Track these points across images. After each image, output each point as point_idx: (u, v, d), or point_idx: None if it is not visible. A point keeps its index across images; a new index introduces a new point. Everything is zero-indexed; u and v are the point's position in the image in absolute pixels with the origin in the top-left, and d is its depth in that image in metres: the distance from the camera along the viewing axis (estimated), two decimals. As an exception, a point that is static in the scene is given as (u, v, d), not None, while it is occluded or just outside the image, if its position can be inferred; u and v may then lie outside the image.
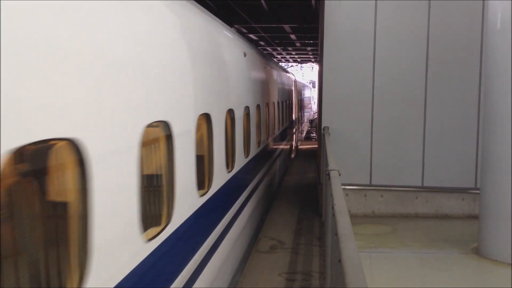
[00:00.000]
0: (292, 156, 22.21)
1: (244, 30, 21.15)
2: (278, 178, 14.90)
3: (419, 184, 10.52)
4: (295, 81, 25.16)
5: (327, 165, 6.48)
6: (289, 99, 19.93)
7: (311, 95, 50.78)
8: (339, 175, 5.64)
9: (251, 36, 23.14)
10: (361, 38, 10.51)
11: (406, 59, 10.44)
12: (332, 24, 10.61)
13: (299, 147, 26.91)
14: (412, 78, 10.43)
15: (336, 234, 3.71)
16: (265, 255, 8.50)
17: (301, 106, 30.88)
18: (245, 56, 8.05)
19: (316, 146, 19.60)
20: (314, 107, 51.75)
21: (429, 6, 10.26)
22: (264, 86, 11.26)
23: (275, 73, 14.24)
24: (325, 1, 10.61)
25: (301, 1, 16.33)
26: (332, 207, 4.44)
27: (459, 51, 10.24)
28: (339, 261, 3.16)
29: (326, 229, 6.89)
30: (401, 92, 10.48)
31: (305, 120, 36.56)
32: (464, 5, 10.17)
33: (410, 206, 10.53)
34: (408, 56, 10.43)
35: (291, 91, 21.18)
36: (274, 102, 13.44)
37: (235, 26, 18.96)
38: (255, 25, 19.25)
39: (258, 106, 10.07)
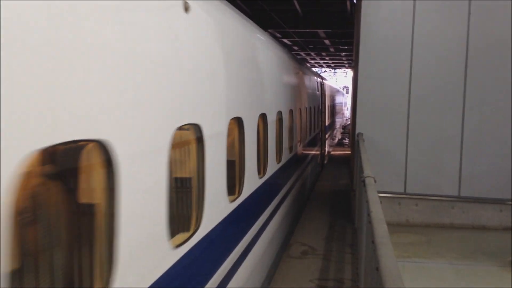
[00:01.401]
0: (325, 162, 22.05)
1: (278, 35, 21.13)
2: (310, 184, 14.79)
3: (456, 194, 10.28)
4: (328, 87, 25.02)
5: (362, 172, 6.38)
6: (322, 104, 19.81)
7: (344, 100, 50.41)
8: (375, 182, 5.55)
9: (285, 41, 23.11)
10: (398, 44, 10.36)
11: (444, 66, 10.24)
12: (368, 29, 10.48)
13: (332, 153, 26.71)
14: (450, 86, 10.23)
15: (373, 241, 3.63)
16: (296, 261, 8.42)
17: (334, 111, 30.67)
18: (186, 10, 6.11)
19: (349, 152, 19.43)
20: (347, 112, 51.39)
21: (469, 13, 10.05)
22: (297, 91, 11.19)
23: (308, 78, 14.17)
24: (362, 7, 10.50)
25: (336, 6, 16.23)
26: (369, 214, 4.36)
27: (499, 58, 10.00)
28: (377, 269, 3.09)
29: (360, 236, 6.78)
30: (439, 99, 10.28)
31: (338, 126, 36.29)
32: (504, 11, 9.92)
33: (446, 216, 10.30)
34: (446, 63, 10.23)
35: (324, 96, 21.05)
36: (306, 107, 13.36)
37: (269, 30, 18.96)
38: (289, 30, 19.21)
39: (291, 111, 10.00)
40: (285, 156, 9.35)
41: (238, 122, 5.68)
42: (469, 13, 10.02)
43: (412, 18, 10.25)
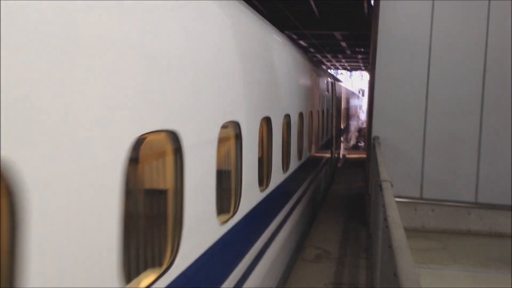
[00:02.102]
0: (339, 165, 21.93)
1: (294, 36, 21.07)
2: (324, 186, 14.70)
3: (473, 200, 10.12)
4: (344, 89, 24.90)
5: (378, 175, 6.30)
6: (338, 107, 19.71)
7: (359, 103, 50.17)
8: (392, 186, 5.47)
9: (301, 42, 23.04)
10: (416, 46, 10.23)
11: (463, 68, 10.09)
12: (386, 31, 10.37)
13: (347, 156, 26.57)
14: (468, 89, 10.07)
15: (390, 246, 3.56)
16: (310, 264, 8.34)
17: (350, 114, 30.53)
18: None
19: (364, 155, 19.29)
20: (363, 115, 51.14)
21: (488, 16, 9.89)
22: (314, 93, 11.14)
23: (324, 81, 14.09)
24: (379, 8, 10.39)
25: (353, 8, 16.12)
26: (385, 219, 4.27)
27: None
28: (395, 274, 3.02)
29: (375, 240, 6.69)
30: (456, 103, 10.13)
31: (353, 129, 36.12)
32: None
33: (463, 222, 10.14)
34: (464, 66, 10.07)
35: (340, 99, 20.95)
36: (323, 110, 13.29)
37: (286, 32, 18.90)
38: (306, 31, 19.13)
39: (310, 113, 10.02)
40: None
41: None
42: (488, 16, 9.86)
43: (430, 20, 10.12)
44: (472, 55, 10.02)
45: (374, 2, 12.30)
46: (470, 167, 10.12)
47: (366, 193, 12.18)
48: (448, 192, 10.20)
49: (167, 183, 3.48)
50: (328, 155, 15.68)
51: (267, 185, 6.46)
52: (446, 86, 10.17)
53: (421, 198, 10.28)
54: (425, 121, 10.28)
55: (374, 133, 10.49)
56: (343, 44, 23.59)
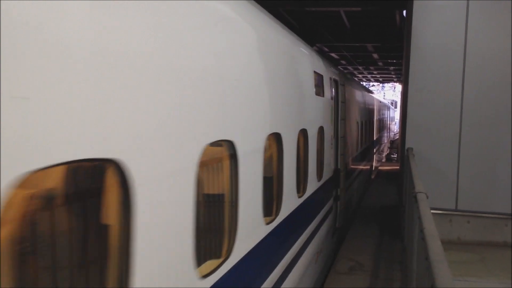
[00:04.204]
0: (372, 177, 21.77)
1: (326, 49, 21.09)
2: (357, 198, 14.62)
3: (509, 211, 9.93)
4: (377, 101, 24.76)
5: (413, 187, 6.27)
6: (370, 119, 19.61)
7: (392, 115, 49.73)
8: (427, 197, 5.45)
9: (333, 55, 23.04)
10: (450, 57, 10.14)
11: (498, 78, 9.95)
12: (419, 42, 10.32)
13: (379, 168, 26.34)
14: (504, 99, 9.92)
15: (427, 258, 3.56)
16: (344, 277, 8.31)
17: (382, 126, 30.30)
18: None
19: (397, 167, 19.11)
20: (395, 127, 50.65)
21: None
22: (360, 107, 11.25)
23: (356, 93, 14.06)
24: (412, 19, 10.36)
25: (385, 20, 16.08)
26: (421, 231, 4.27)
27: None
28: (432, 287, 3.03)
29: (410, 253, 6.64)
30: (492, 113, 9.99)
31: (386, 141, 35.81)
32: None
33: (499, 234, 9.96)
34: (499, 75, 9.93)
35: (372, 110, 20.85)
36: (356, 122, 13.26)
37: (317, 45, 18.96)
38: (337, 44, 19.14)
39: (357, 123, 10.13)
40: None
41: (303, 133, 6.58)
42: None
43: (464, 30, 10.03)
44: (508, 65, 9.88)
45: (406, 13, 12.26)
46: (506, 178, 9.95)
47: (400, 205, 12.07)
48: (484, 203, 10.05)
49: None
50: (363, 166, 15.66)
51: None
52: (481, 96, 10.05)
53: (456, 210, 10.15)
54: (460, 132, 10.16)
55: (408, 144, 10.42)
56: (375, 56, 23.50)
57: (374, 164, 23.02)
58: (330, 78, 9.09)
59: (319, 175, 8.03)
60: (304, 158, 6.86)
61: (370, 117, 19.41)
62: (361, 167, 15.62)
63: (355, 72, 33.66)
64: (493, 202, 10.01)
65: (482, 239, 9.96)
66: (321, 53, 9.10)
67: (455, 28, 10.08)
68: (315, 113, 7.49)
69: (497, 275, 8.23)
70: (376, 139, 23.75)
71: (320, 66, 8.19)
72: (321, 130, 7.97)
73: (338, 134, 9.90)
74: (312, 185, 7.40)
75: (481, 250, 9.55)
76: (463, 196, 10.15)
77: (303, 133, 6.68)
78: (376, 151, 24.30)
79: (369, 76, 38.53)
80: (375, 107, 22.56)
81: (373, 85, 51.58)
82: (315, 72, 7.53)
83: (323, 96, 8.12)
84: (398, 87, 51.47)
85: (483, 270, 8.43)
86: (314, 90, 7.41)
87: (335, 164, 9.63)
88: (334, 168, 9.49)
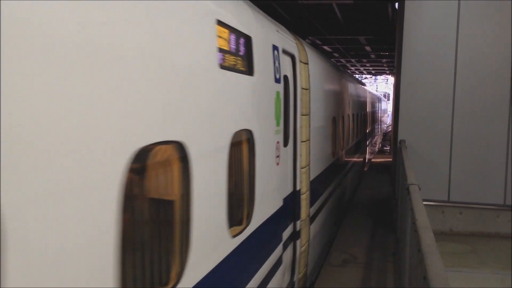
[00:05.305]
0: (365, 169, 21.83)
1: (318, 42, 21.08)
2: (350, 191, 14.67)
3: (501, 202, 10.03)
4: (369, 93, 24.80)
5: (405, 179, 6.31)
6: (363, 111, 19.64)
7: (384, 107, 49.83)
8: (419, 189, 5.48)
9: (325, 47, 23.04)
10: (442, 49, 10.18)
11: (490, 71, 10.01)
12: (411, 35, 10.35)
13: (372, 160, 26.42)
14: (496, 92, 9.98)
15: (419, 250, 3.59)
16: (337, 269, 8.36)
17: (374, 118, 30.35)
18: None
19: (390, 159, 19.18)
20: (387, 119, 50.76)
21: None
22: (338, 98, 11.16)
23: (349, 85, 14.08)
24: (404, 12, 10.38)
25: (377, 12, 16.07)
26: (414, 223, 4.31)
27: None
28: (424, 278, 3.06)
29: (403, 245, 6.69)
30: (484, 105, 10.05)
31: (378, 133, 35.90)
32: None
33: (491, 225, 10.05)
34: (492, 69, 9.99)
35: (364, 103, 20.87)
36: (348, 115, 13.29)
37: (309, 37, 18.95)
38: (330, 37, 19.13)
39: (334, 119, 10.02)
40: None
41: (170, 151, 6.87)
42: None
43: (456, 23, 10.07)
44: (500, 57, 9.93)
45: (398, 6, 12.28)
46: (498, 169, 10.04)
47: (393, 197, 12.14)
48: (476, 195, 10.13)
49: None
50: (355, 158, 15.69)
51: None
52: (473, 88, 10.10)
53: (449, 201, 10.22)
54: (452, 124, 10.22)
55: (400, 136, 10.47)
56: (368, 48, 23.51)
57: (367, 156, 23.08)
58: (275, 47, 5.43)
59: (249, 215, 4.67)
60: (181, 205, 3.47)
61: (362, 110, 19.43)
62: (354, 159, 15.64)
63: (348, 64, 33.70)
64: (485, 193, 10.10)
65: (474, 230, 10.05)
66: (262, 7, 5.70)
67: (447, 21, 10.11)
68: (219, 104, 3.81)
69: (490, 265, 8.31)
70: (369, 131, 23.78)
71: (241, 17, 4.45)
72: (239, 136, 4.31)
73: (297, 138, 6.52)
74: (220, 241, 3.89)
75: (473, 241, 9.64)
76: (455, 187, 10.22)
77: (172, 151, 3.22)
78: (369, 143, 24.34)
79: (361, 68, 38.59)
80: (367, 99, 22.58)
81: (365, 78, 51.62)
82: (220, 22, 3.81)
83: (249, 73, 4.52)
84: (391, 79, 51.55)
85: (476, 261, 8.50)
86: (219, 58, 3.78)
87: (291, 184, 6.36)
88: (290, 191, 6.28)
